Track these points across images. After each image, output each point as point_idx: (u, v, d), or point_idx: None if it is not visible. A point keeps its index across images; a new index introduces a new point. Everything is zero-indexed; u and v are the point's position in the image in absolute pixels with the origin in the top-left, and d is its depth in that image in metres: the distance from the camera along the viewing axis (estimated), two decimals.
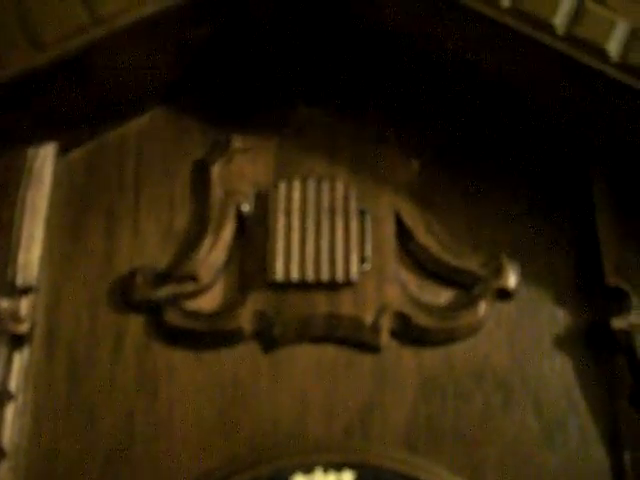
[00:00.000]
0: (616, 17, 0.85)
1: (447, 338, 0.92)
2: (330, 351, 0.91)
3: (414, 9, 0.91)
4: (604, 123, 0.91)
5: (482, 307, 0.93)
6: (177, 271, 0.93)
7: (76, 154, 0.99)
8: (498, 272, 0.94)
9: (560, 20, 0.85)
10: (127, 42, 0.87)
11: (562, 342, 0.93)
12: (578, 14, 0.85)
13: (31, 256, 0.91)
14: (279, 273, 0.91)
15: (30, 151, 0.94)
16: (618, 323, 0.90)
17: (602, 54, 0.84)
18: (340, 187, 0.95)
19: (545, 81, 0.90)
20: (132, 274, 0.93)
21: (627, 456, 0.88)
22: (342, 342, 0.92)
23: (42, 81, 0.87)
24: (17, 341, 0.89)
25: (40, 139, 0.95)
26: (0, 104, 0.87)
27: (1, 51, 0.83)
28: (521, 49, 0.87)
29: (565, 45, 0.85)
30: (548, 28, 0.85)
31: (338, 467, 0.86)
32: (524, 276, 0.95)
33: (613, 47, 0.84)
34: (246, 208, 0.96)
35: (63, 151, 0.97)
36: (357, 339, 0.91)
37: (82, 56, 0.85)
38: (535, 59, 0.87)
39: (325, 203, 0.94)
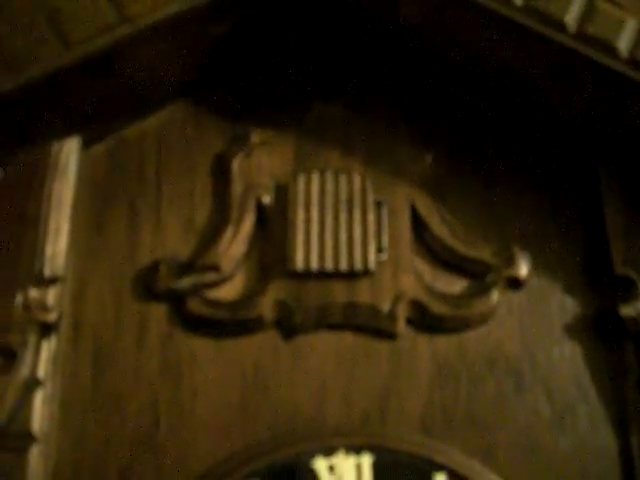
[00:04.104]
0: (625, 15, 0.87)
1: (461, 325, 0.94)
2: (348, 338, 0.94)
3: (428, 6, 0.93)
4: (612, 118, 0.93)
5: (494, 295, 0.95)
6: (199, 262, 0.95)
7: (98, 149, 1.01)
8: (510, 262, 0.96)
9: (571, 18, 0.87)
10: (151, 40, 0.89)
11: (572, 329, 0.95)
12: (589, 12, 0.87)
13: (58, 248, 0.93)
14: (299, 263, 0.93)
15: (54, 146, 0.96)
16: (626, 311, 0.92)
17: (612, 51, 0.87)
18: (357, 180, 0.97)
19: (556, 77, 0.92)
20: (155, 265, 0.95)
21: (635, 440, 0.90)
22: (360, 330, 0.94)
23: (68, 78, 0.89)
24: (45, 330, 0.91)
25: (63, 134, 0.97)
26: (28, 100, 0.89)
27: (31, 49, 0.85)
28: (533, 46, 0.89)
29: (576, 42, 0.87)
30: (559, 26, 0.87)
31: (357, 450, 0.88)
32: (535, 265, 0.97)
33: (622, 44, 0.87)
34: (266, 200, 0.98)
35: (85, 146, 0.99)
36: (374, 327, 0.93)
37: (108, 53, 0.88)
38: (546, 56, 0.90)
39: (343, 195, 0.97)
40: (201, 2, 0.87)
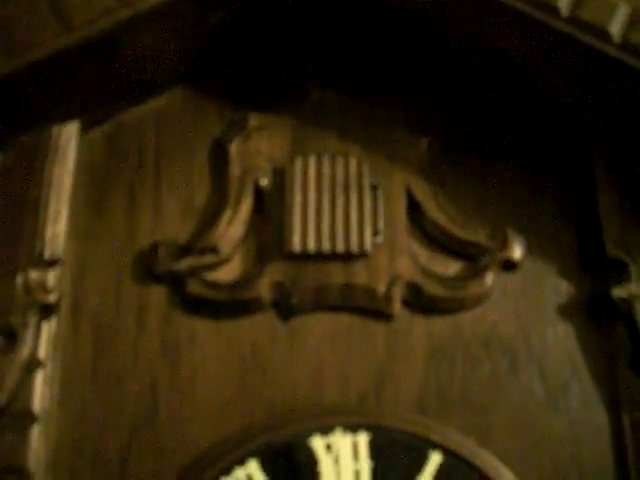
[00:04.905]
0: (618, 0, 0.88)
1: (456, 307, 0.95)
2: (345, 319, 0.95)
3: None
4: (606, 102, 0.95)
5: (489, 277, 0.96)
6: (198, 244, 0.96)
7: (97, 133, 1.02)
8: (504, 244, 0.97)
9: (564, 2, 0.88)
10: (151, 24, 0.90)
11: (565, 311, 0.96)
12: None
13: (57, 230, 0.94)
14: (296, 244, 0.94)
15: (54, 130, 0.97)
16: (618, 293, 0.93)
17: (604, 35, 0.87)
18: (353, 163, 0.98)
19: (550, 62, 0.93)
20: (154, 247, 0.96)
21: (626, 418, 0.91)
22: (356, 311, 0.95)
23: (68, 61, 0.90)
24: (45, 311, 0.92)
25: (63, 118, 0.98)
26: (28, 84, 0.90)
27: (32, 32, 0.86)
28: (527, 31, 0.90)
29: (569, 27, 0.88)
30: (553, 10, 0.88)
31: (354, 429, 0.89)
32: (529, 248, 0.98)
33: (615, 28, 0.87)
34: (264, 183, 0.99)
35: (84, 130, 1.00)
36: (370, 308, 0.95)
37: (108, 37, 0.88)
38: (541, 40, 0.91)
39: (339, 178, 0.98)
40: None
